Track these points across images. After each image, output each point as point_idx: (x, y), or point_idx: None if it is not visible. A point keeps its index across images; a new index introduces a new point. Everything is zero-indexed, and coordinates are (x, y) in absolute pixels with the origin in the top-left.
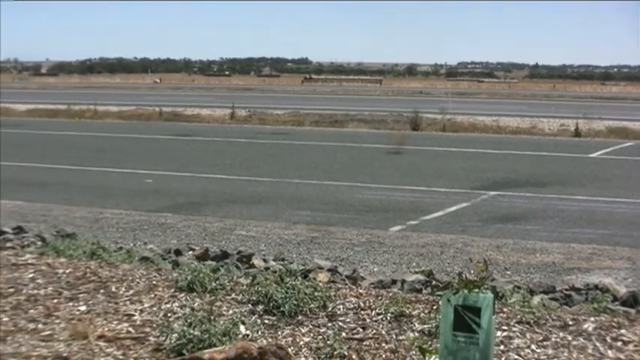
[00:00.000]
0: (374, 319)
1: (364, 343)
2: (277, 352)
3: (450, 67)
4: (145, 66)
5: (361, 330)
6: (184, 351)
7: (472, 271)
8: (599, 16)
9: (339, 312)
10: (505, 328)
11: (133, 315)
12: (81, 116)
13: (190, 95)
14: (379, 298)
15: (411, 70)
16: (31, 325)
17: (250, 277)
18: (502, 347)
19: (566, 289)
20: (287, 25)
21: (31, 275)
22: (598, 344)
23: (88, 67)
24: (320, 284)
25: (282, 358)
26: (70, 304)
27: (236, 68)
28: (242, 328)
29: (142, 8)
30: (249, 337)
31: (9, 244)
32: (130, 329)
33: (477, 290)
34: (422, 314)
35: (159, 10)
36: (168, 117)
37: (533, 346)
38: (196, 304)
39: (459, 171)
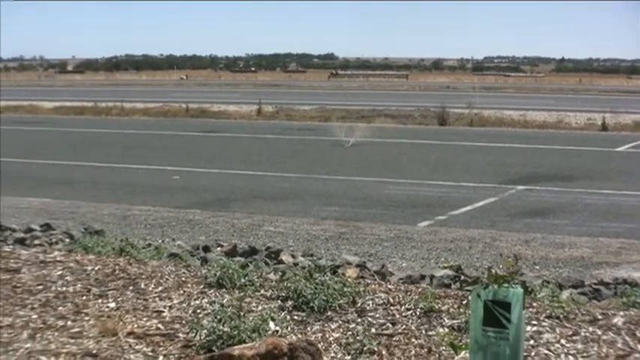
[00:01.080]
0: (403, 314)
1: (394, 338)
2: (307, 347)
3: (476, 61)
4: (171, 63)
5: (391, 325)
6: (214, 347)
7: (501, 266)
8: (625, 10)
9: (368, 308)
10: (535, 322)
11: (163, 311)
12: (107, 113)
13: (217, 91)
14: (408, 293)
15: (437, 65)
16: (60, 322)
17: (279, 273)
18: (532, 342)
19: (595, 284)
20: (313, 20)
21: (59, 272)
22: (627, 338)
23: (114, 65)
24: (349, 280)
25: (312, 354)
26: (99, 301)
27: (262, 64)
28: (271, 324)
29: (166, 5)
30: (279, 333)
31: (37, 242)
32: (160, 326)
33: (506, 285)
34: (451, 309)
35: (184, 6)
36: (195, 113)
37: (562, 341)
38: (225, 300)
39: (487, 166)
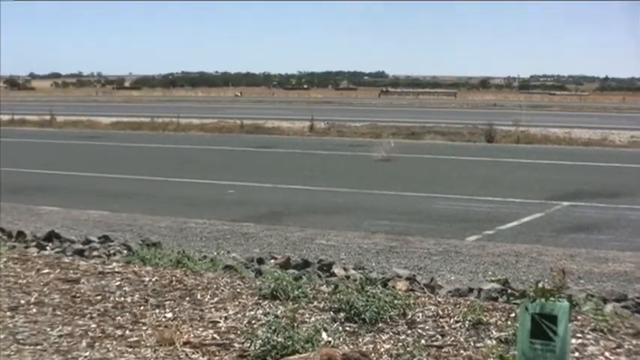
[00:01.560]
0: (452, 326)
1: (443, 350)
2: (360, 358)
3: (522, 80)
4: (225, 80)
5: (440, 337)
6: (268, 357)
7: (546, 280)
8: None
9: (418, 320)
10: (579, 335)
11: (218, 322)
12: (164, 128)
13: (270, 108)
14: (457, 306)
15: (484, 83)
16: (119, 332)
17: (332, 286)
18: (577, 354)
19: (638, 298)
20: (364, 39)
21: (117, 283)
22: None
23: (170, 81)
24: (399, 292)
25: None
26: (157, 311)
27: (314, 82)
28: (324, 335)
29: (222, 24)
30: (331, 343)
31: (95, 253)
32: (215, 336)
33: (553, 299)
34: (499, 322)
35: (238, 25)
36: (250, 129)
37: (607, 354)
38: (279, 311)
39: (533, 182)
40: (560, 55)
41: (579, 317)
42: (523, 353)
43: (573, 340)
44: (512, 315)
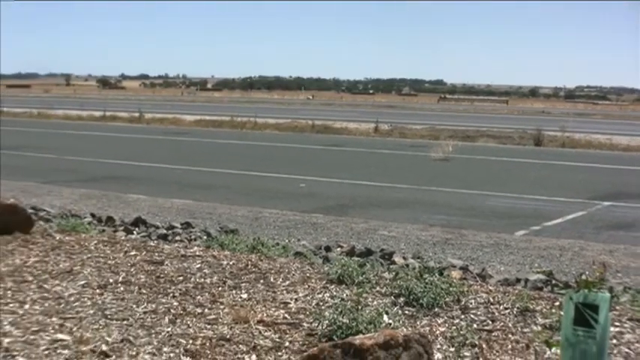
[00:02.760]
0: (501, 312)
1: (493, 334)
2: (420, 339)
3: (568, 90)
4: (299, 84)
5: (490, 322)
6: (334, 336)
7: (587, 273)
8: None
9: (470, 306)
10: (617, 324)
11: (289, 303)
12: (242, 127)
13: (339, 111)
14: (506, 294)
15: (534, 92)
16: (198, 310)
17: (393, 273)
18: (614, 341)
19: None
20: (426, 48)
21: (198, 265)
22: None
23: (248, 84)
24: (454, 281)
25: (424, 345)
26: (233, 292)
27: (379, 87)
28: (385, 317)
29: (296, 33)
30: (391, 325)
31: (178, 238)
32: (286, 315)
33: (595, 290)
34: (544, 310)
35: (311, 34)
36: (320, 129)
37: None
38: (345, 295)
39: (577, 183)
40: (603, 68)
41: (617, 307)
42: (567, 339)
43: (612, 329)
44: (557, 304)
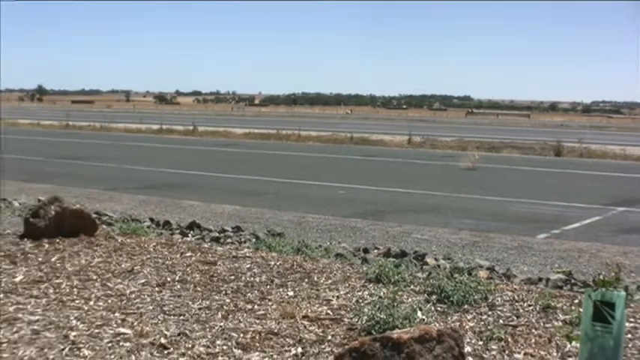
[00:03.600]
0: (525, 309)
1: (517, 329)
2: (452, 334)
3: (585, 104)
4: (338, 100)
5: (515, 318)
6: (372, 331)
7: (604, 273)
8: None
9: (497, 303)
10: (632, 320)
11: (331, 300)
12: (287, 139)
13: (375, 124)
14: (529, 292)
15: (553, 107)
16: (249, 306)
17: (425, 273)
18: (629, 336)
19: None
20: (454, 67)
21: (248, 265)
22: None
23: (292, 100)
24: (481, 280)
25: (455, 339)
26: (280, 290)
27: (412, 103)
28: (419, 313)
29: (336, 52)
30: (425, 321)
31: (229, 240)
32: (329, 311)
33: (612, 289)
34: (564, 307)
35: (350, 52)
36: (358, 141)
37: None
38: (382, 292)
39: (593, 190)
40: (617, 84)
41: (632, 305)
42: (586, 333)
43: (627, 324)
44: (576, 301)
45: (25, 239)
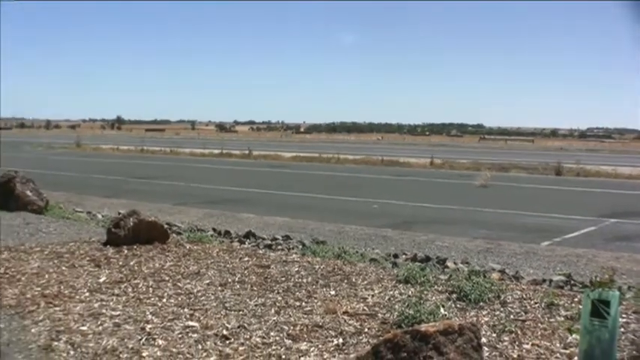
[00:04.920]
0: (532, 306)
1: (526, 323)
2: (471, 327)
3: (581, 130)
4: (371, 127)
5: (524, 314)
6: (402, 324)
7: (598, 275)
8: None
9: (508, 300)
10: (624, 316)
11: (367, 298)
12: (328, 161)
13: (402, 149)
14: (535, 292)
15: (554, 133)
16: (297, 303)
17: (447, 275)
18: (622, 329)
19: None
20: (468, 99)
21: (296, 269)
22: None
23: (332, 128)
24: (494, 281)
25: (474, 332)
26: (324, 289)
27: (433, 130)
28: (442, 310)
29: (368, 84)
30: (447, 316)
31: (280, 247)
32: (365, 308)
33: (607, 289)
34: (565, 304)
35: (381, 86)
36: (388, 163)
37: None
38: (410, 292)
39: (589, 204)
40: (609, 111)
41: (624, 303)
42: (585, 327)
43: (620, 319)
44: (576, 299)
45: (108, 246)
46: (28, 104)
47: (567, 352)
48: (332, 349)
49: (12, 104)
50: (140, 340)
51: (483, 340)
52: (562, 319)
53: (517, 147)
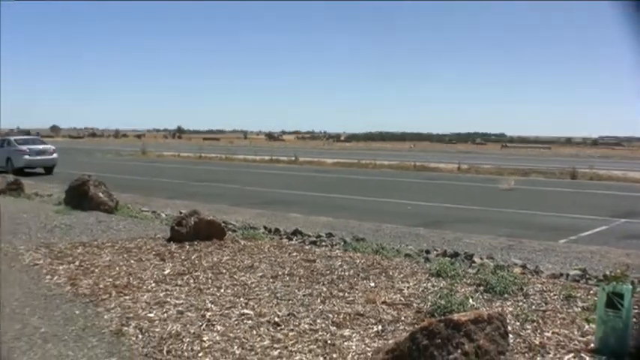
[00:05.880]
0: (552, 298)
1: (546, 313)
2: (498, 317)
3: (593, 139)
4: (404, 136)
5: (544, 304)
6: (435, 314)
7: (611, 270)
8: None
9: (530, 293)
10: (636, 307)
11: (403, 290)
12: (366, 167)
13: (432, 155)
14: (554, 285)
15: (568, 141)
16: (340, 294)
17: (475, 269)
18: (634, 320)
19: None
20: (491, 110)
21: (339, 263)
22: None
23: (370, 137)
24: (517, 275)
25: (501, 321)
26: (364, 281)
27: (459, 138)
28: (470, 300)
29: (404, 97)
30: (475, 306)
31: (324, 243)
32: (401, 298)
33: (621, 282)
34: (582, 296)
35: (413, 97)
36: (419, 168)
37: None
38: (442, 284)
39: (601, 206)
40: (620, 120)
41: (635, 295)
42: (600, 317)
43: (633, 310)
44: (591, 292)
45: (171, 242)
46: (99, 116)
47: (584, 339)
48: (372, 335)
49: (84, 117)
50: (201, 326)
51: (509, 328)
52: (579, 309)
53: (535, 154)
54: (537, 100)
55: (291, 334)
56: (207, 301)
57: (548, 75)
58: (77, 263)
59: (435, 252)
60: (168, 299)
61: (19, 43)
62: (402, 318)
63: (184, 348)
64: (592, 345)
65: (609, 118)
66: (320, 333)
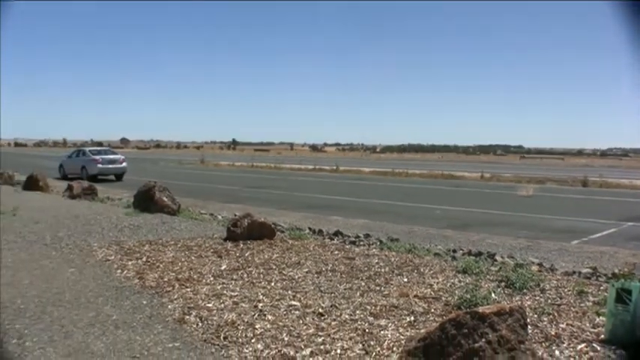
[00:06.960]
0: (566, 293)
1: (561, 306)
2: (519, 309)
3: (602, 150)
4: (433, 148)
5: (559, 299)
6: (461, 307)
7: (620, 269)
8: None
9: (546, 288)
10: None
11: (433, 285)
12: (399, 175)
13: (458, 165)
14: (568, 281)
15: (580, 152)
16: (377, 288)
17: (497, 267)
18: None
19: None
20: (512, 125)
21: (376, 261)
22: None
23: (403, 148)
24: (534, 272)
25: (521, 313)
26: (398, 277)
27: (482, 150)
28: (493, 295)
29: (432, 111)
30: (497, 300)
31: (362, 243)
32: (431, 292)
33: (629, 279)
34: (593, 292)
35: (439, 111)
36: (446, 177)
37: None
38: (467, 280)
39: (610, 211)
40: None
41: None
42: (610, 311)
43: None
44: (602, 288)
45: (227, 241)
46: (162, 128)
47: (595, 331)
48: (405, 325)
49: (150, 130)
50: (254, 315)
51: (527, 320)
52: (590, 304)
53: (550, 164)
54: (552, 115)
55: (333, 323)
56: (259, 294)
57: (562, 92)
58: (144, 259)
59: (461, 251)
60: (225, 291)
61: (97, 62)
62: (432, 310)
63: (239, 335)
64: (602, 336)
65: (617, 131)
66: (359, 322)
